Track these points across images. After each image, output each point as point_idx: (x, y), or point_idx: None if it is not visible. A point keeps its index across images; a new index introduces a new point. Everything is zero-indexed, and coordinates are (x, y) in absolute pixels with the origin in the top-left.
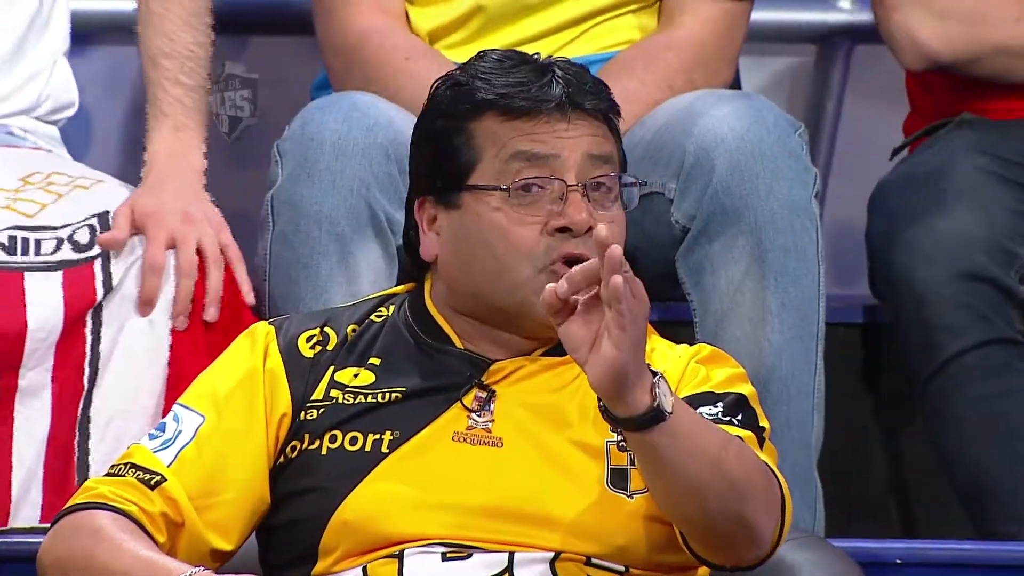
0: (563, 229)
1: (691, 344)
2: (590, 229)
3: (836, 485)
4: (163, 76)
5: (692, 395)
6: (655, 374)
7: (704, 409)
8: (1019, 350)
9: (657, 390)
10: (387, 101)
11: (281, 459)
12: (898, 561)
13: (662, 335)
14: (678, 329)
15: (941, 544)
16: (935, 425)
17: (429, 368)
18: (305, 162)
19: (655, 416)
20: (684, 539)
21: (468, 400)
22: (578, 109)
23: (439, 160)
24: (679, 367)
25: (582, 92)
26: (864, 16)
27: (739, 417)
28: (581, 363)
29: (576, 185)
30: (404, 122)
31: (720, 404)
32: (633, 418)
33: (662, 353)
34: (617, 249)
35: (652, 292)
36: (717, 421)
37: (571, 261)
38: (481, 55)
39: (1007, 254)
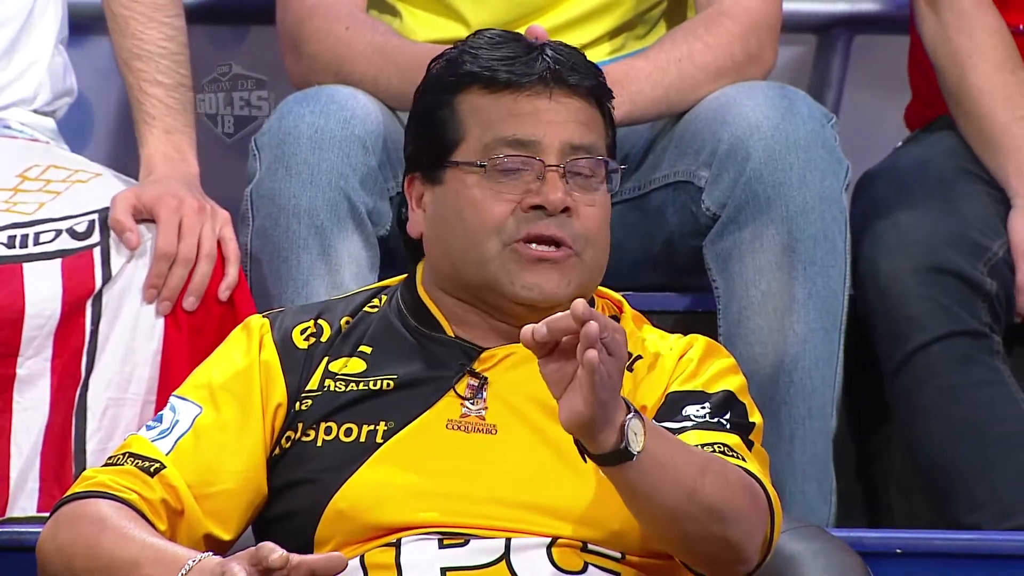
0: (538, 207)
1: (699, 334)
2: (567, 209)
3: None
4: (140, 79)
5: (679, 392)
6: (630, 410)
7: (691, 410)
8: (985, 342)
9: (627, 428)
10: (365, 94)
11: (276, 450)
12: (898, 551)
13: (685, 325)
14: (700, 318)
15: (941, 534)
16: (903, 416)
17: (420, 356)
18: (283, 156)
19: (621, 456)
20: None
21: (461, 388)
22: (562, 85)
23: (426, 136)
24: (671, 359)
25: (568, 69)
26: (864, 6)
27: (727, 417)
28: (555, 398)
29: (556, 166)
30: (382, 114)
31: (707, 404)
32: (599, 455)
33: (653, 344)
34: (593, 326)
35: (676, 280)
36: (704, 424)
37: (538, 240)
38: (478, 33)
39: (975, 247)
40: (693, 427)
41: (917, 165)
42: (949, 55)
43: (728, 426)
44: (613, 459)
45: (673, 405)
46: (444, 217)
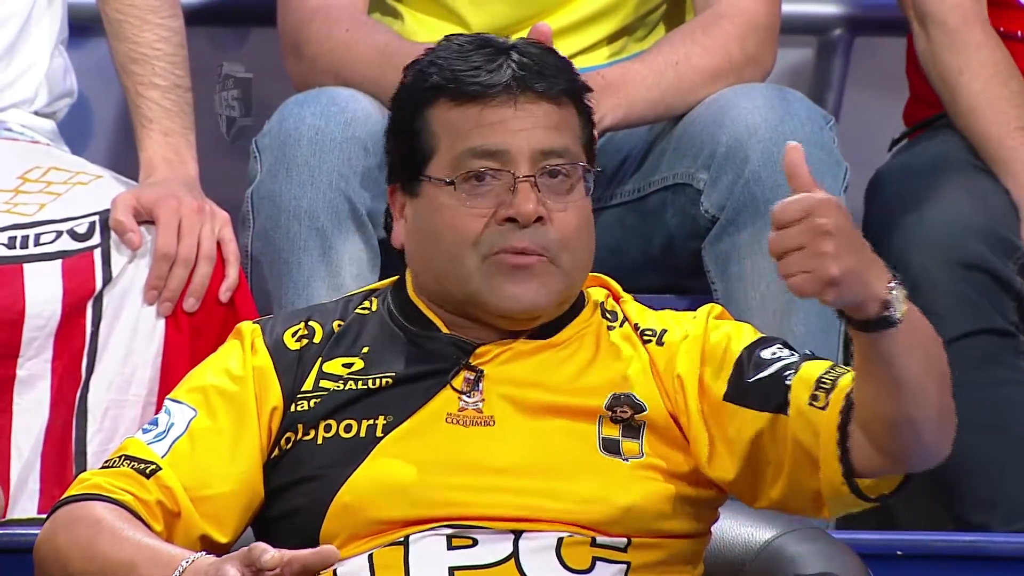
0: (511, 219)
1: None
2: (540, 219)
3: None
4: (136, 83)
5: (746, 348)
6: (893, 279)
7: (768, 352)
8: (1012, 342)
9: (892, 297)
10: (366, 96)
11: (276, 451)
12: (899, 553)
13: None
14: None
15: (942, 536)
16: None
17: (417, 354)
18: (283, 157)
19: (883, 322)
20: (856, 483)
21: (458, 382)
22: (528, 92)
23: (402, 148)
24: (699, 326)
25: (534, 75)
26: (864, 8)
27: (795, 351)
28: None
29: (527, 176)
30: (383, 116)
31: (779, 344)
32: (860, 322)
33: (673, 318)
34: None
35: (675, 283)
36: (808, 356)
37: (512, 252)
38: (449, 38)
39: (1006, 244)
40: (802, 360)
41: (937, 160)
42: (940, 74)
43: (814, 356)
44: (874, 326)
45: (749, 358)
46: (423, 232)
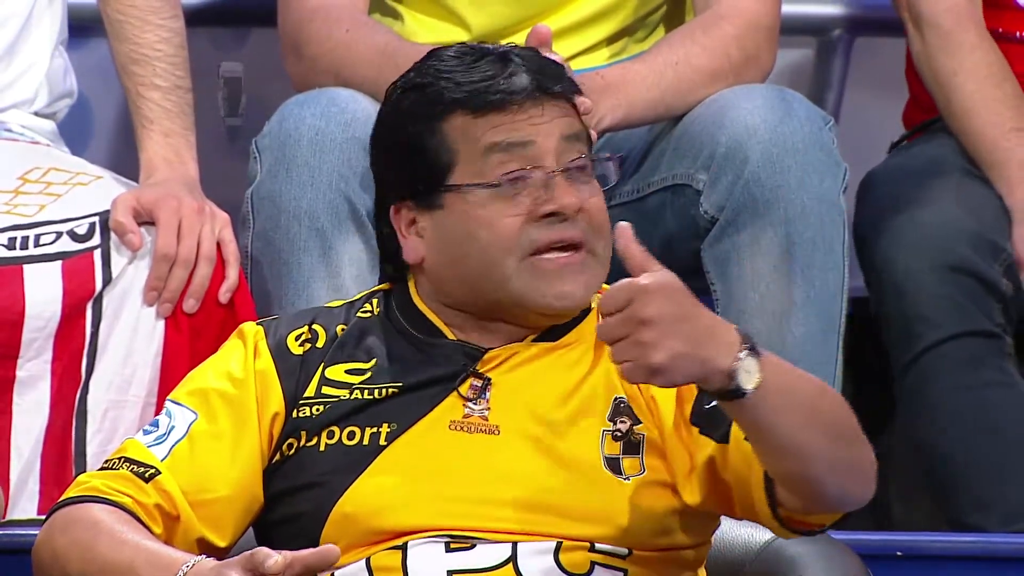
0: (552, 214)
1: None
2: (579, 210)
3: None
4: (137, 83)
5: None
6: (742, 347)
7: None
8: (997, 343)
9: (737, 369)
10: (366, 96)
11: (277, 457)
12: (899, 554)
13: None
14: None
15: (942, 537)
16: (910, 413)
17: (423, 361)
18: (283, 158)
19: (732, 395)
20: (782, 516)
21: (464, 389)
22: (547, 93)
23: (415, 164)
24: None
25: (547, 77)
26: (864, 8)
27: None
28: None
29: (559, 170)
30: None
31: None
32: (712, 392)
33: None
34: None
35: None
36: None
37: (558, 247)
38: (436, 54)
39: (992, 247)
40: None
41: (930, 163)
42: (934, 75)
43: None
44: (724, 398)
45: None
46: (453, 241)
